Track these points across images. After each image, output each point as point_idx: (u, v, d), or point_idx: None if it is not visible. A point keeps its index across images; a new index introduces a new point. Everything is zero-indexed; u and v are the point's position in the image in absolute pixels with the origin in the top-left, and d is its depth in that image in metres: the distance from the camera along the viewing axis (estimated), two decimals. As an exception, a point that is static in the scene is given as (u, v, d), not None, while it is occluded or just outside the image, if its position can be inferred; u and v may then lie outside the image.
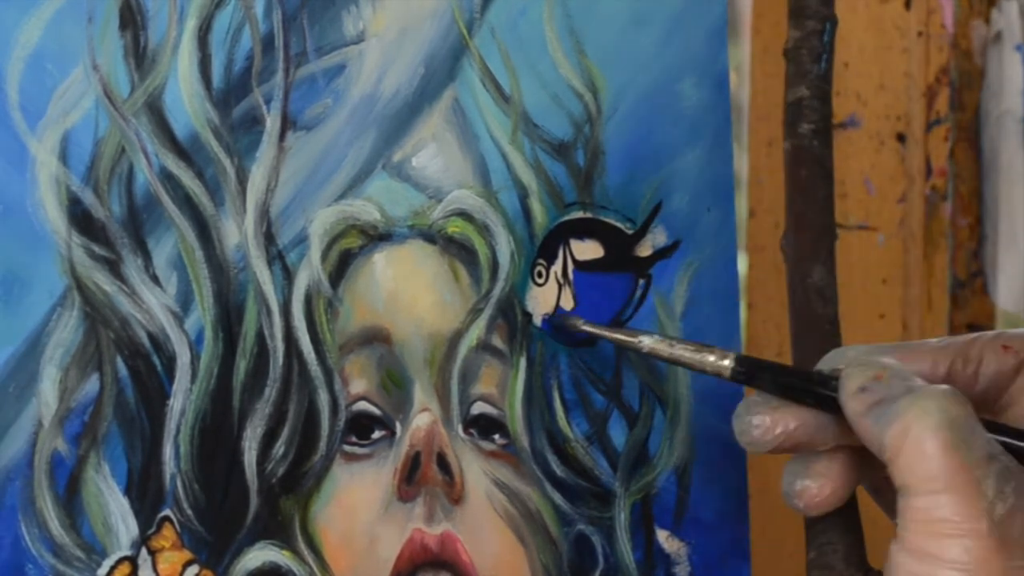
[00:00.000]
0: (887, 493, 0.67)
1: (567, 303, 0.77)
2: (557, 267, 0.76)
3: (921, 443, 0.62)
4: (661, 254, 0.78)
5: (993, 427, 0.64)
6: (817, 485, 0.68)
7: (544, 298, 0.76)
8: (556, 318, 0.76)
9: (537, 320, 0.76)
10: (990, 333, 0.69)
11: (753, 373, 0.69)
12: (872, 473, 0.68)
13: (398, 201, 0.73)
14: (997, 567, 0.61)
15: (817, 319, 0.72)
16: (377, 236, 0.73)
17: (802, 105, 0.75)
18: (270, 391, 0.71)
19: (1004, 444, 0.64)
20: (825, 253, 0.74)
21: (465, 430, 0.74)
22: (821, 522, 0.68)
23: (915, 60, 1.01)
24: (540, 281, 0.76)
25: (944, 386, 0.64)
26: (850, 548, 0.68)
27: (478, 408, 0.75)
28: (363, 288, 0.73)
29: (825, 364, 0.68)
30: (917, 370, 0.67)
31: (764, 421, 0.67)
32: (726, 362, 0.70)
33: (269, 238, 0.71)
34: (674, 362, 0.72)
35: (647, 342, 0.72)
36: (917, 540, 0.62)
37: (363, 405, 0.73)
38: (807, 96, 0.75)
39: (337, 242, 0.72)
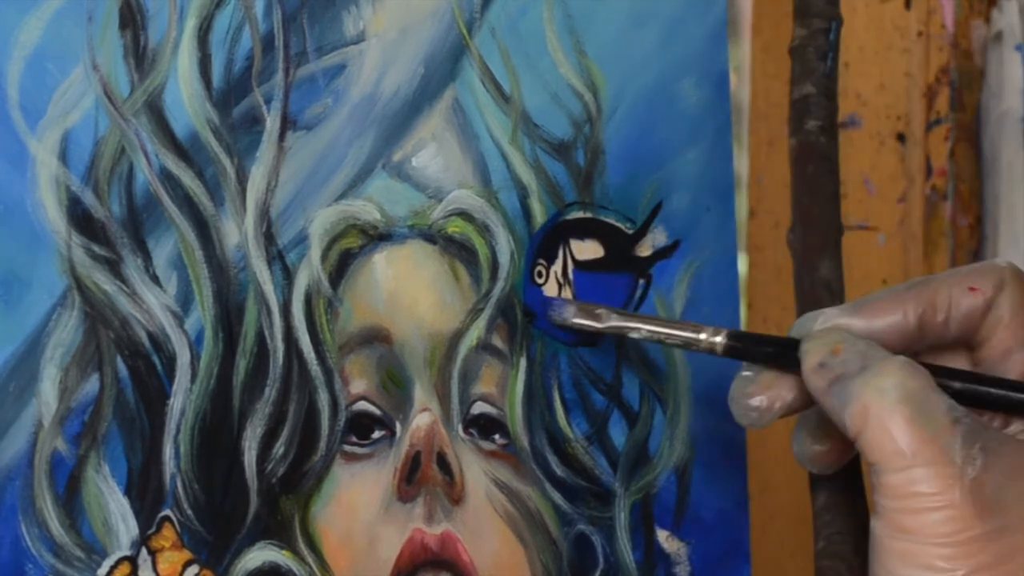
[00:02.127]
0: None
1: (567, 303, 0.76)
2: (557, 267, 0.76)
3: (882, 421, 0.62)
4: (661, 254, 0.78)
5: (959, 376, 0.65)
6: (825, 448, 0.68)
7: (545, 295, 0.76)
8: (554, 305, 0.75)
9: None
10: (955, 274, 0.68)
11: (744, 347, 0.69)
12: None
13: (398, 201, 0.73)
14: (977, 533, 0.61)
15: None
16: (377, 236, 0.73)
17: (808, 102, 0.75)
18: (270, 391, 0.71)
19: (974, 392, 0.64)
20: (832, 247, 0.74)
21: (465, 430, 0.74)
22: (828, 513, 0.69)
23: (915, 60, 1.01)
24: (540, 281, 0.76)
25: (899, 358, 0.64)
26: (860, 538, 0.68)
27: (478, 408, 0.75)
28: (363, 288, 0.73)
29: (797, 331, 0.68)
30: (887, 325, 0.67)
31: (762, 402, 0.68)
32: (719, 339, 0.70)
33: (269, 238, 0.71)
34: (667, 345, 0.72)
35: (640, 331, 0.72)
36: (895, 517, 0.62)
37: (363, 405, 0.73)
38: (813, 93, 0.75)
39: (337, 242, 0.72)
